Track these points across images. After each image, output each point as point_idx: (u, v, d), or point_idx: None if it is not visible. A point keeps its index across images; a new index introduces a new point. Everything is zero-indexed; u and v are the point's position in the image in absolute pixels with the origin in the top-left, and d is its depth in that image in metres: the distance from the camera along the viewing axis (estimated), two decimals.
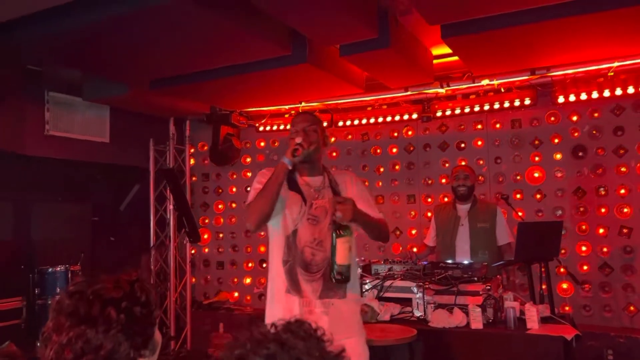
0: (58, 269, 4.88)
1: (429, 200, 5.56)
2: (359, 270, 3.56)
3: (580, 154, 4.91)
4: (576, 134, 4.93)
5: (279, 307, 2.49)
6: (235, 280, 6.38)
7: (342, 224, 2.38)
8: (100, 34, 3.39)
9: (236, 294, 6.33)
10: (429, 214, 5.44)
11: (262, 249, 6.24)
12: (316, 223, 2.51)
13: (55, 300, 1.23)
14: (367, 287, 3.92)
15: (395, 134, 5.72)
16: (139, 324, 1.22)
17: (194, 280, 6.42)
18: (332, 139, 5.92)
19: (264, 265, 6.25)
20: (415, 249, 5.07)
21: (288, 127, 5.86)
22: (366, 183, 5.82)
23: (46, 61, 4.36)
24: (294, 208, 2.52)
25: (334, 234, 2.40)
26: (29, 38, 3.40)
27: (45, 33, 3.33)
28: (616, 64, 4.39)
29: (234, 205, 6.44)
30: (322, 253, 2.48)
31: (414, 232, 5.60)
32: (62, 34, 3.32)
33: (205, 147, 6.40)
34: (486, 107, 5.04)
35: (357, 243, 2.62)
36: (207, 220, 6.56)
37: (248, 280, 6.31)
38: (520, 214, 4.42)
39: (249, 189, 6.74)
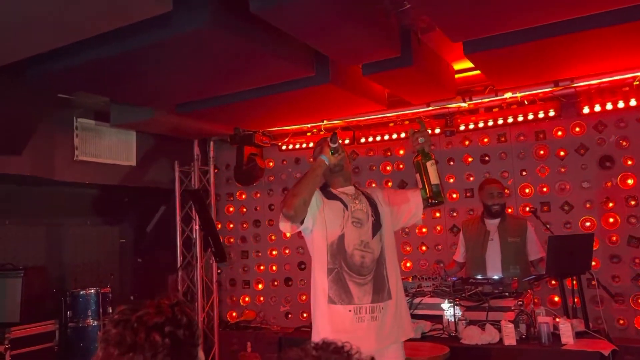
0: (89, 291, 4.97)
1: (454, 214, 5.53)
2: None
3: (608, 164, 4.85)
4: (603, 145, 4.88)
5: (324, 320, 2.51)
6: (262, 299, 6.40)
7: (424, 151, 2.57)
8: (128, 62, 3.46)
9: (262, 313, 6.34)
10: (455, 229, 5.41)
11: (287, 267, 6.27)
12: (360, 226, 2.59)
13: (102, 331, 1.27)
14: None
15: None
16: (183, 346, 1.26)
17: (220, 299, 6.46)
18: (355, 156, 5.95)
19: (290, 283, 6.26)
20: (442, 264, 5.04)
21: (311, 145, 5.98)
22: None
23: (76, 90, 4.48)
24: (336, 214, 2.58)
25: (420, 161, 2.56)
26: (60, 69, 3.50)
27: (76, 64, 3.42)
28: None
29: (258, 224, 6.49)
30: (371, 255, 2.56)
31: (439, 247, 5.57)
32: (91, 64, 3.41)
33: (229, 167, 6.48)
34: (509, 120, 5.01)
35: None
36: (232, 240, 6.61)
37: (274, 299, 6.32)
38: (548, 226, 4.37)
39: (273, 207, 6.79)
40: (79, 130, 5.18)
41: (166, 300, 1.31)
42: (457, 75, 4.75)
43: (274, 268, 6.35)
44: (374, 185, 5.87)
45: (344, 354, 0.98)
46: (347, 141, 5.82)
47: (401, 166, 5.81)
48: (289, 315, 6.22)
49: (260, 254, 6.46)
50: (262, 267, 6.44)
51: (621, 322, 4.72)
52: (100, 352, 1.24)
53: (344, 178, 2.71)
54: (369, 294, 2.51)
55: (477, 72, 4.49)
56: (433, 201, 2.57)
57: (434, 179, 2.54)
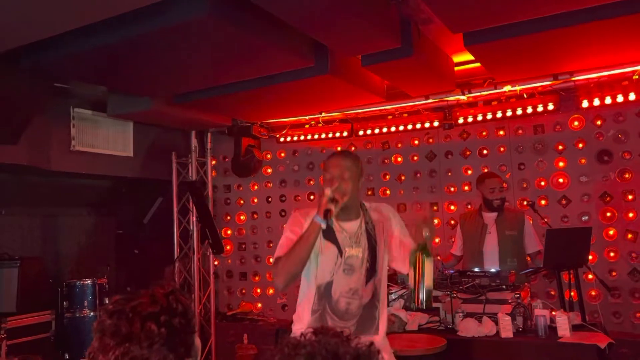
0: (85, 282, 4.95)
1: (452, 208, 5.52)
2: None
3: (606, 158, 4.85)
4: (601, 139, 4.87)
5: None
6: (259, 291, 6.40)
7: (425, 246, 2.26)
8: (125, 51, 3.44)
9: (259, 305, 6.35)
10: (452, 222, 5.41)
11: None
12: (352, 273, 2.43)
13: (97, 321, 1.26)
14: (393, 296, 3.91)
15: (417, 142, 5.71)
16: (179, 334, 1.26)
17: (217, 291, 6.46)
18: (352, 149, 5.94)
19: None
20: (439, 257, 5.04)
21: (308, 137, 5.97)
22: (387, 192, 5.82)
23: (73, 79, 4.44)
24: (329, 258, 2.44)
25: (422, 256, 2.24)
26: (57, 57, 3.46)
27: (73, 52, 3.39)
28: None
29: (255, 216, 6.48)
30: (358, 301, 2.44)
31: (437, 240, 5.56)
32: (89, 52, 3.38)
33: (227, 159, 6.46)
34: (508, 113, 5.00)
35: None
36: (229, 232, 6.60)
37: (271, 291, 6.32)
38: (545, 220, 4.38)
39: (270, 199, 6.75)
40: (76, 120, 5.14)
41: (160, 289, 1.30)
42: (456, 68, 4.73)
43: (271, 260, 6.32)
44: (371, 178, 5.85)
45: (344, 338, 0.97)
46: (345, 134, 5.80)
47: (399, 159, 5.80)
48: (286, 307, 6.21)
49: (257, 246, 6.45)
50: (259, 259, 6.43)
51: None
52: (95, 343, 1.24)
53: (349, 211, 2.46)
54: None
55: (477, 64, 4.47)
56: (420, 306, 2.27)
57: (428, 282, 2.24)
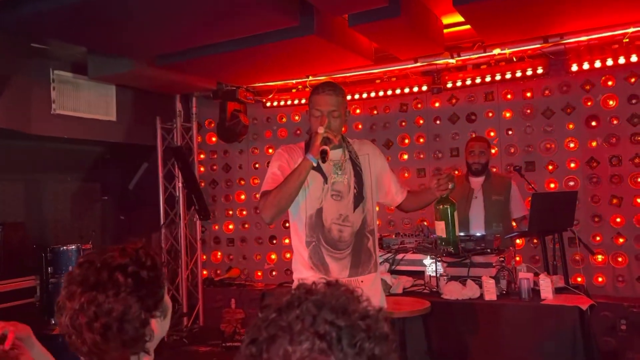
0: (70, 247, 4.91)
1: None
2: None
3: (594, 123, 4.83)
4: (589, 103, 4.84)
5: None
6: (246, 256, 6.40)
7: (449, 198, 2.43)
8: (103, 8, 3.32)
9: (247, 270, 6.35)
10: None
11: (272, 226, 6.24)
12: (340, 199, 2.47)
13: (67, 273, 1.29)
14: (379, 260, 3.91)
15: (405, 107, 5.64)
16: (147, 286, 1.27)
17: (204, 257, 6.45)
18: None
19: (274, 241, 6.26)
20: (425, 222, 5.04)
21: (295, 102, 5.86)
22: None
23: (51, 38, 4.29)
24: (316, 186, 2.46)
25: (449, 208, 2.42)
26: (33, 14, 3.34)
27: (50, 8, 3.27)
28: (632, 29, 4.27)
29: (242, 182, 6.42)
30: (350, 228, 2.46)
31: None
32: (65, 8, 3.26)
33: (212, 124, 6.36)
34: (497, 77, 4.94)
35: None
36: (216, 198, 6.55)
37: (258, 257, 6.33)
38: (532, 185, 4.37)
39: (257, 165, 6.67)
40: (56, 82, 5.00)
41: (131, 245, 1.33)
42: (445, 30, 4.63)
43: (259, 226, 6.32)
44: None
45: (355, 297, 0.95)
46: None
47: (387, 125, 5.74)
48: (273, 273, 6.24)
49: (244, 213, 6.42)
50: (246, 225, 6.41)
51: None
52: (63, 291, 1.25)
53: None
54: (347, 269, 2.45)
55: (466, 27, 4.39)
56: (454, 251, 2.54)
57: (456, 230, 2.46)
